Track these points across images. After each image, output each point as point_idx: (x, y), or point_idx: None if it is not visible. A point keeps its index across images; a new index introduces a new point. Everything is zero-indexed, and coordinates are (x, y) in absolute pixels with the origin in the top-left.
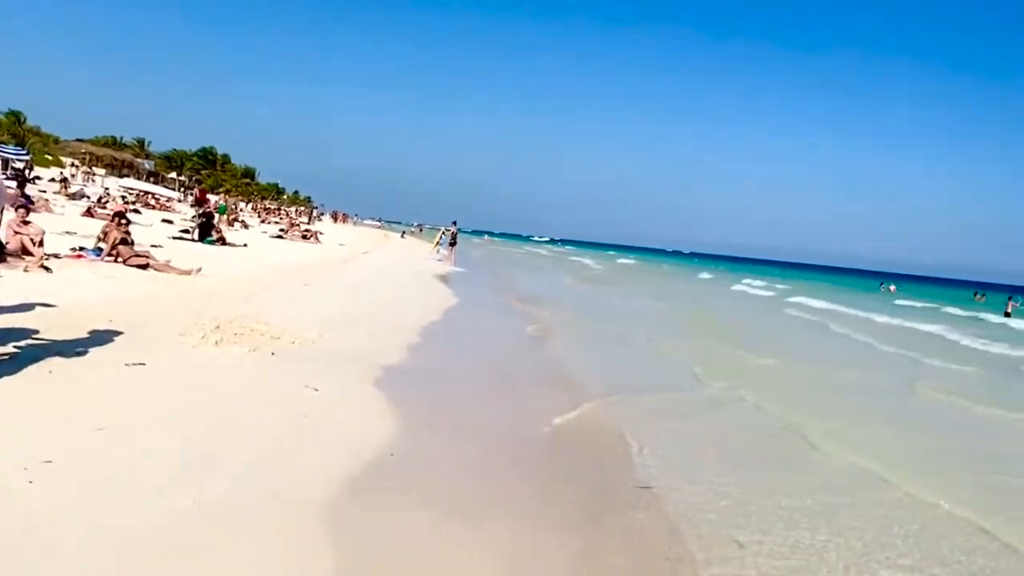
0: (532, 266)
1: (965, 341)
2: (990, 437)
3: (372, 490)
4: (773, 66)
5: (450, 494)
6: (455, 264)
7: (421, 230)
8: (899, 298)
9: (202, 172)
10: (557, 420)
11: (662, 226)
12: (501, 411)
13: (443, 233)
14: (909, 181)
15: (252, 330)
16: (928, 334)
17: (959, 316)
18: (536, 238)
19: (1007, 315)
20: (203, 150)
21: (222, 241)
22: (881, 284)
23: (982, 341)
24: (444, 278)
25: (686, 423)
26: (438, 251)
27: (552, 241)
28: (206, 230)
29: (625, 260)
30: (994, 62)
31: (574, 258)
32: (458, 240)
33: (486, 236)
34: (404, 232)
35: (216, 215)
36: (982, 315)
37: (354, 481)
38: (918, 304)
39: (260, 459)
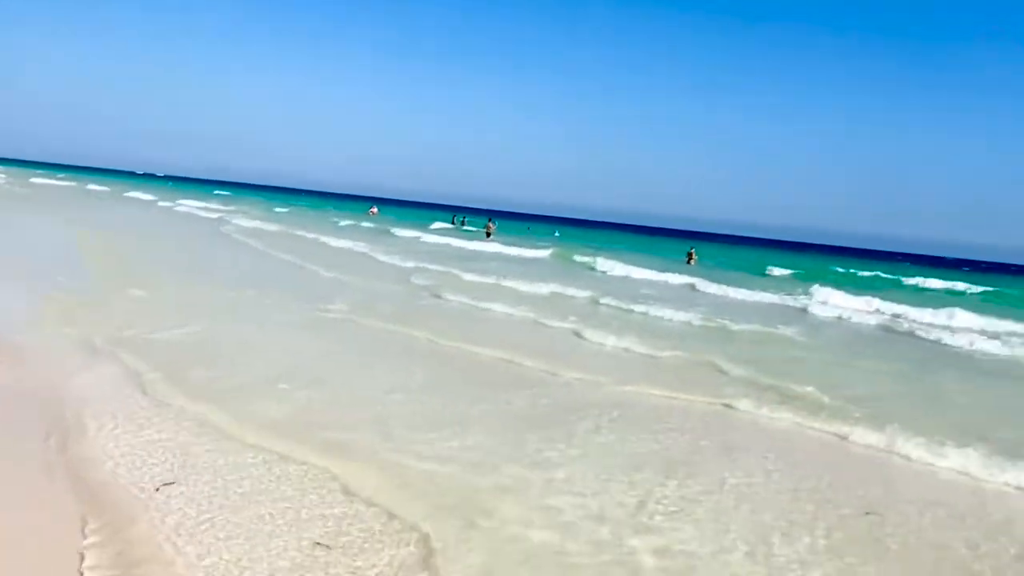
0: None
1: (382, 257)
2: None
3: None
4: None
5: None
6: None
7: None
8: (375, 221)
9: None
10: None
11: (139, 149)
12: None
13: None
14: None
15: None
16: (352, 251)
17: (409, 238)
18: None
19: (488, 235)
20: None
21: None
22: (370, 209)
23: (397, 257)
24: None
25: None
26: None
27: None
28: None
29: (43, 180)
30: None
31: None
32: None
33: None
34: None
35: None
36: (451, 239)
37: None
38: (382, 227)
39: None
